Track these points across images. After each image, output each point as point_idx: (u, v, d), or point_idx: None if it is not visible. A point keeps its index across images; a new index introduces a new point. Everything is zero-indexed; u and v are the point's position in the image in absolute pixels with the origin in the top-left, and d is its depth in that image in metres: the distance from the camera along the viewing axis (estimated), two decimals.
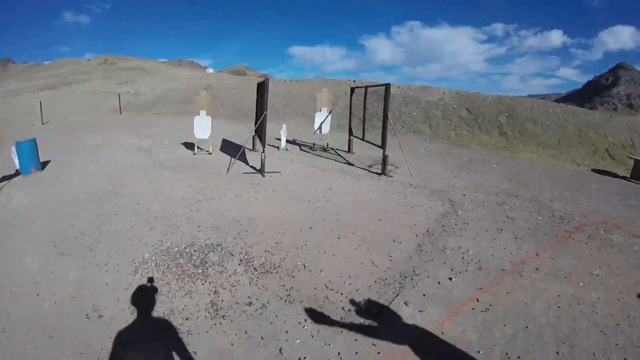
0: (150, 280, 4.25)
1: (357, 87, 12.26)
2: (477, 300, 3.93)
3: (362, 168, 9.73)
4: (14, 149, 8.65)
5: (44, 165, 9.33)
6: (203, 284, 4.18)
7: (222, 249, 4.97)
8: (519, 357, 3.14)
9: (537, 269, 4.63)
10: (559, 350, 3.24)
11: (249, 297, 3.95)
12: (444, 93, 18.68)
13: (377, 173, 9.12)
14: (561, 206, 7.04)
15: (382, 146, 8.91)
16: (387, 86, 8.71)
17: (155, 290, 4.08)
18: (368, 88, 10.96)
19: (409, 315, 3.66)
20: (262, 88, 9.73)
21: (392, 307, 3.78)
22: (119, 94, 25.66)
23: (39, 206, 6.59)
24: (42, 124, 19.10)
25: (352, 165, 10.09)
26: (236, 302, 3.86)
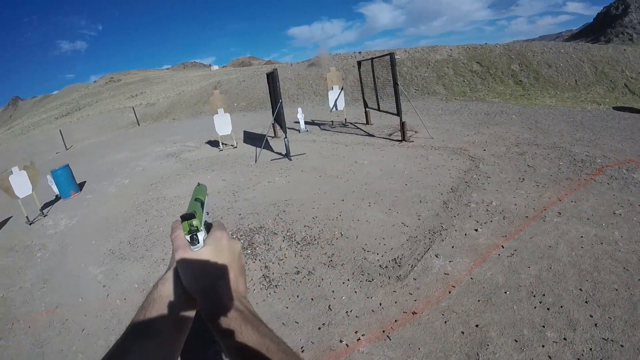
0: None
1: (363, 60, 12.34)
2: (503, 247, 4.23)
3: (382, 137, 9.95)
4: (49, 177, 9.19)
5: (80, 186, 9.86)
6: (254, 262, 4.64)
7: (265, 230, 5.42)
8: (544, 295, 3.40)
9: (560, 213, 4.81)
10: (582, 287, 3.45)
11: (295, 267, 4.39)
12: (451, 50, 18.47)
13: (397, 140, 9.33)
14: (582, 149, 7.11)
15: (398, 114, 9.09)
16: (392, 55, 8.79)
17: None
18: (374, 59, 11.03)
19: (440, 265, 4.02)
20: (272, 78, 10.01)
21: (424, 260, 4.15)
22: (133, 108, 26.30)
23: (86, 224, 7.13)
24: (66, 149, 19.93)
25: (372, 136, 10.31)
26: (285, 273, 4.31)
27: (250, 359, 0.52)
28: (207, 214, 0.76)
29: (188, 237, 0.64)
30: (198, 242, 0.64)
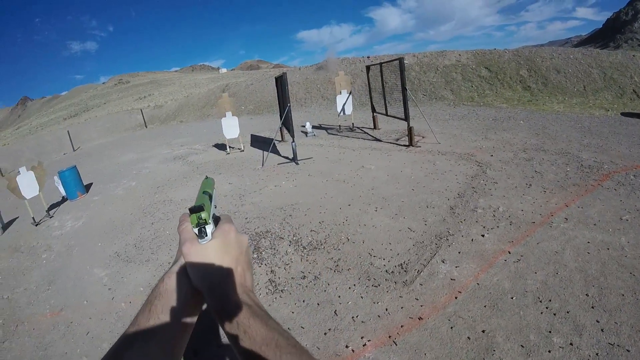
0: None
1: (372, 65, 12.34)
2: (509, 252, 4.20)
3: (389, 142, 9.93)
4: (56, 178, 9.22)
5: (87, 187, 9.90)
6: (260, 266, 4.63)
7: (271, 235, 5.41)
8: (550, 300, 3.38)
9: (567, 219, 4.77)
10: (588, 292, 3.43)
11: (302, 271, 4.38)
12: (460, 55, 18.41)
13: (405, 145, 9.31)
14: (590, 155, 7.05)
15: (406, 118, 9.08)
16: (401, 60, 8.79)
17: None
18: (383, 64, 11.02)
19: (446, 271, 4.00)
20: (281, 82, 10.04)
21: (431, 265, 4.12)
22: (141, 109, 26.51)
23: (92, 226, 7.15)
24: (74, 150, 20.11)
25: (379, 141, 10.29)
26: (292, 278, 4.30)
27: (259, 354, 0.52)
28: (215, 207, 0.75)
29: (196, 230, 0.64)
30: (206, 235, 0.63)
